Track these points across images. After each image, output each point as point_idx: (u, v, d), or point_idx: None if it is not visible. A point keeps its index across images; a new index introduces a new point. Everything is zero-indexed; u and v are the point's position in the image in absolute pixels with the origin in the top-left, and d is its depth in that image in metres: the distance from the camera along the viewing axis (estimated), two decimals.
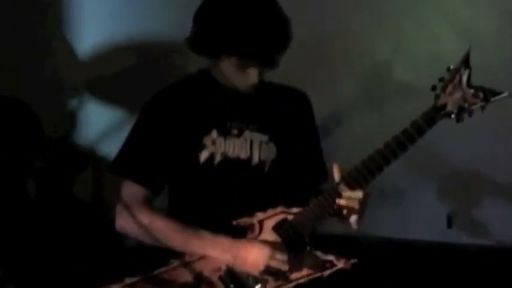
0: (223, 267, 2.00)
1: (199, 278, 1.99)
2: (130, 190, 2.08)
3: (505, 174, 3.37)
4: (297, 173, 2.17)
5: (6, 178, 3.00)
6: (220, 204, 2.07)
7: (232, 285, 1.99)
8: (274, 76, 2.16)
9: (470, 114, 1.86)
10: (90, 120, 3.61)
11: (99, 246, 3.17)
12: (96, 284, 2.00)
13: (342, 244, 2.01)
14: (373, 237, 3.32)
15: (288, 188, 2.14)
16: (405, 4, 3.41)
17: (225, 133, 2.08)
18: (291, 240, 1.99)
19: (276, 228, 2.00)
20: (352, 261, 1.99)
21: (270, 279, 1.99)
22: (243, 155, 2.09)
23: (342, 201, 1.95)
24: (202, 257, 2.00)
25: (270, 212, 2.01)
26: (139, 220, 2.03)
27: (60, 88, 3.56)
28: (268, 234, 2.00)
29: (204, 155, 2.06)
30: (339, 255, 2.00)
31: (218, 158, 2.07)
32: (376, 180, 1.94)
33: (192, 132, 2.07)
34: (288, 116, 2.17)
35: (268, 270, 1.97)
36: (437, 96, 1.86)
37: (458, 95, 1.85)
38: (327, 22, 3.37)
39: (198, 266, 2.00)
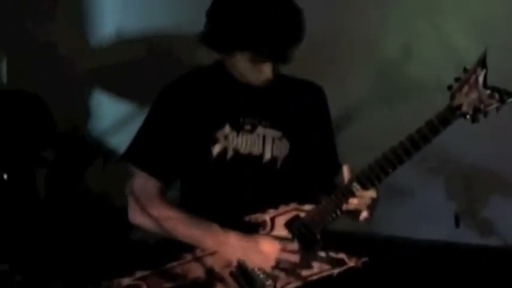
0: (235, 263, 1.99)
1: (210, 273, 1.99)
2: (143, 182, 2.08)
3: None
4: (310, 167, 2.16)
5: (16, 171, 3.00)
6: (232, 200, 2.07)
7: (243, 281, 1.99)
8: (284, 73, 2.16)
9: (485, 115, 1.85)
10: (102, 112, 3.62)
11: (108, 238, 3.18)
12: (106, 277, 2.00)
13: (352, 242, 2.01)
14: (381, 236, 3.32)
15: (301, 185, 2.13)
16: (418, 1, 3.40)
17: (238, 128, 2.08)
18: (303, 238, 1.99)
19: (288, 225, 2.00)
20: (364, 259, 1.99)
21: (281, 275, 1.98)
22: (255, 151, 2.08)
23: (355, 200, 1.94)
24: (213, 252, 2.00)
25: (282, 208, 2.01)
26: (151, 212, 2.03)
27: (71, 80, 3.56)
28: (280, 231, 2.00)
29: (216, 149, 2.06)
30: (350, 253, 2.00)
31: (230, 153, 2.07)
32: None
33: (205, 125, 2.07)
34: (302, 109, 2.16)
35: (279, 265, 1.97)
36: (453, 96, 1.85)
37: (474, 95, 1.83)
38: (337, 19, 3.36)
39: (210, 261, 2.00)
